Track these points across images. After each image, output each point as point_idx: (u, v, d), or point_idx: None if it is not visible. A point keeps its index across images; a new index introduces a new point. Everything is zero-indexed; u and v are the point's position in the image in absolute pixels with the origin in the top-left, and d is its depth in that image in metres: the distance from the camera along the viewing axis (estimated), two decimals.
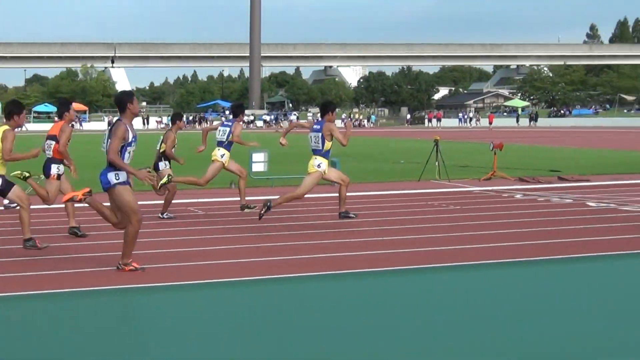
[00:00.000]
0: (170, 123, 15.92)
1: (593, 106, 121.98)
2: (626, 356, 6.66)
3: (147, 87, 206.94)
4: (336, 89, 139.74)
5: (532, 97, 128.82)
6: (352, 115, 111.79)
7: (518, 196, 18.77)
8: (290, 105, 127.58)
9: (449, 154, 27.70)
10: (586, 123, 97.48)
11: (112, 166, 9.69)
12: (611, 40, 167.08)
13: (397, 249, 11.56)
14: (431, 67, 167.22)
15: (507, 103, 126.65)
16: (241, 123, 15.85)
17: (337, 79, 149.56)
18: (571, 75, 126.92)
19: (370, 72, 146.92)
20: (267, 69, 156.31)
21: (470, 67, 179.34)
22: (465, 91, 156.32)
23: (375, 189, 20.29)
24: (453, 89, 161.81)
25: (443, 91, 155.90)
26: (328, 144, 13.14)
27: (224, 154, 15.44)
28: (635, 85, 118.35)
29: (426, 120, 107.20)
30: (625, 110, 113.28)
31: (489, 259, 10.75)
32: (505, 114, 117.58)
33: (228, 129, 15.59)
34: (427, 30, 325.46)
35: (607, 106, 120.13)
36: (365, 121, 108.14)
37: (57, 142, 12.40)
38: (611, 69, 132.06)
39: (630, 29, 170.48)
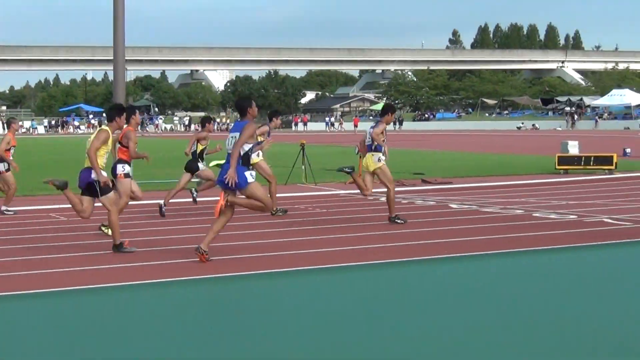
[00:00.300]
0: (200, 126, 17.04)
1: (456, 110, 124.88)
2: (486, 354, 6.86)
3: (7, 91, 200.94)
4: (203, 93, 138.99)
5: (397, 101, 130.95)
6: (219, 120, 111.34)
7: (383, 199, 19.00)
8: (156, 109, 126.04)
9: (315, 158, 27.95)
10: (449, 126, 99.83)
11: (245, 164, 10.72)
12: (473, 46, 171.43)
13: (260, 253, 11.59)
14: (298, 71, 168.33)
15: (373, 107, 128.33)
16: (265, 127, 16.84)
17: (203, 83, 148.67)
18: (435, 79, 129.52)
19: (237, 76, 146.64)
20: (132, 73, 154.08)
21: (336, 72, 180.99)
22: (331, 95, 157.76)
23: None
24: (320, 93, 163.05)
25: (310, 95, 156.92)
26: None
27: (258, 153, 16.26)
28: (496, 90, 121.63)
29: (293, 124, 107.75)
30: (486, 114, 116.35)
31: (354, 261, 10.88)
32: (371, 117, 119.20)
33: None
34: (294, 35, 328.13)
35: (470, 110, 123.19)
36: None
37: (123, 145, 13.41)
38: (473, 74, 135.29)
39: (491, 35, 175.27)
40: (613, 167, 25.62)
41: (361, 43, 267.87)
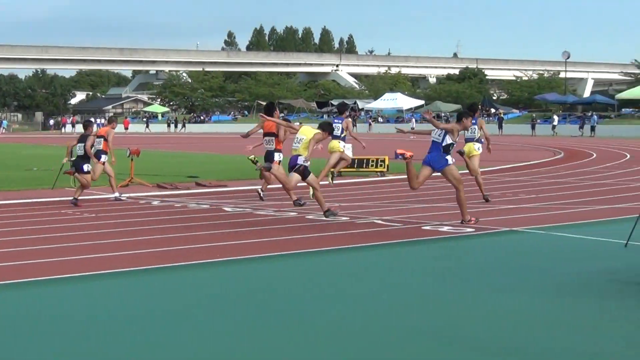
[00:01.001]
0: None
1: (232, 112, 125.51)
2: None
3: None
4: None
5: (171, 103, 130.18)
6: None
7: (155, 202, 18.95)
8: None
9: None
10: (225, 129, 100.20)
11: (446, 152, 14.51)
12: (248, 48, 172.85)
13: (25, 260, 11.26)
14: (67, 71, 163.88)
15: (147, 109, 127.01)
16: (349, 119, 21.84)
17: None
18: (210, 81, 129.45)
19: (1, 75, 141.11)
20: None
21: (108, 72, 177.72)
22: (103, 96, 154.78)
23: (5, 198, 19.60)
24: (90, 93, 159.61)
25: (80, 96, 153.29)
26: (481, 132, 18.37)
27: (344, 145, 21.03)
28: (272, 92, 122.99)
29: (62, 126, 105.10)
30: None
31: (121, 267, 10.77)
32: (144, 119, 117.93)
33: (340, 125, 20.87)
34: (62, 33, 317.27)
35: (246, 112, 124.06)
36: None
37: (276, 136, 18.02)
38: (249, 76, 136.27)
39: (267, 37, 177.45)
40: (385, 170, 26.56)
41: (134, 43, 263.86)
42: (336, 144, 20.81)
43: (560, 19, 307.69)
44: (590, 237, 13.35)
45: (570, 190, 21.70)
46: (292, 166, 15.80)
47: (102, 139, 19.76)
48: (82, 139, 19.02)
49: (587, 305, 8.78)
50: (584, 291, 9.44)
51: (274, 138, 18.09)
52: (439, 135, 14.61)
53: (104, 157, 19.70)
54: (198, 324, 7.94)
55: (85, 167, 18.92)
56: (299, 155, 15.74)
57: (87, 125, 19.62)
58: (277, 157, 17.89)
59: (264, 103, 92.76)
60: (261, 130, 18.71)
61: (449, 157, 14.55)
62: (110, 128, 20.24)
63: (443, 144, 14.54)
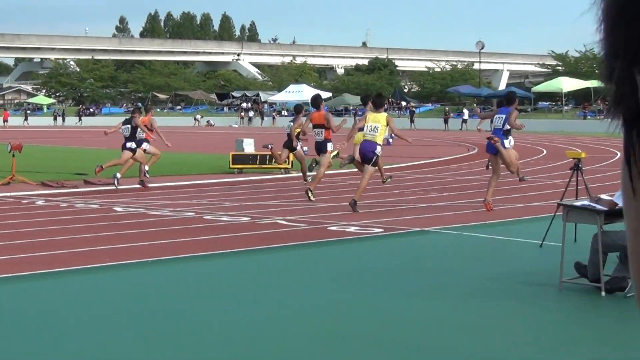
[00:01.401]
0: (294, 112, 24.45)
1: (124, 104, 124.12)
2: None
3: None
4: None
5: (58, 94, 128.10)
6: None
7: (40, 202, 18.65)
8: None
9: None
10: (117, 122, 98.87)
11: (506, 135, 16.94)
12: (142, 35, 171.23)
13: None
14: None
15: (31, 100, 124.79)
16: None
17: None
18: (101, 70, 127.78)
19: None
20: None
21: None
22: None
23: None
24: None
25: None
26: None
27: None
28: (168, 83, 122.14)
29: None
30: (158, 109, 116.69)
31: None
32: (29, 112, 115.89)
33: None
34: None
35: (139, 104, 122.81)
36: None
37: (325, 127, 19.26)
38: (143, 65, 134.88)
39: (162, 23, 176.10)
40: (290, 167, 26.56)
41: (16, 28, 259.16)
42: (361, 136, 20.92)
43: (474, 7, 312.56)
44: (504, 238, 13.62)
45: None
46: (369, 154, 17.20)
47: (146, 128, 23.06)
48: (128, 121, 22.62)
49: (499, 308, 8.95)
50: (497, 294, 9.62)
51: (323, 130, 19.44)
52: (499, 122, 17.17)
53: (145, 144, 23.04)
54: (86, 330, 7.86)
55: (129, 144, 22.15)
56: (377, 143, 17.15)
57: (135, 110, 23.50)
58: (330, 146, 19.41)
59: (160, 95, 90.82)
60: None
61: (506, 141, 16.99)
62: (150, 116, 23.98)
63: (504, 129, 17.08)
